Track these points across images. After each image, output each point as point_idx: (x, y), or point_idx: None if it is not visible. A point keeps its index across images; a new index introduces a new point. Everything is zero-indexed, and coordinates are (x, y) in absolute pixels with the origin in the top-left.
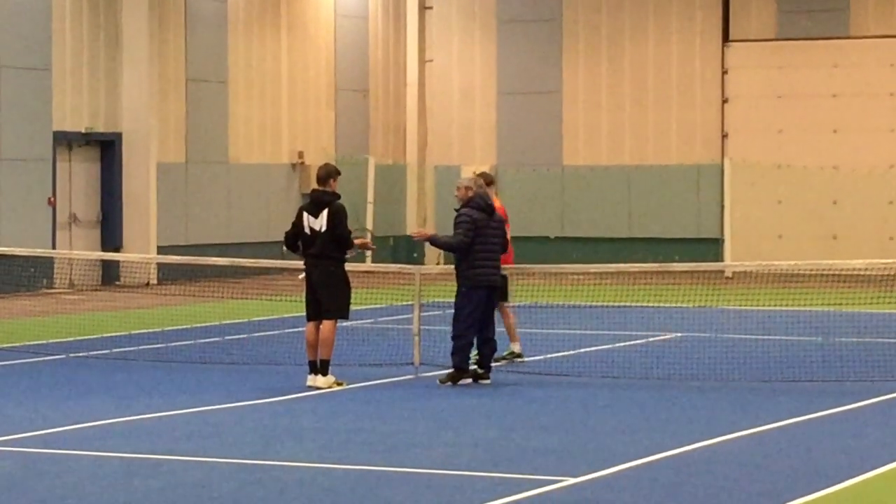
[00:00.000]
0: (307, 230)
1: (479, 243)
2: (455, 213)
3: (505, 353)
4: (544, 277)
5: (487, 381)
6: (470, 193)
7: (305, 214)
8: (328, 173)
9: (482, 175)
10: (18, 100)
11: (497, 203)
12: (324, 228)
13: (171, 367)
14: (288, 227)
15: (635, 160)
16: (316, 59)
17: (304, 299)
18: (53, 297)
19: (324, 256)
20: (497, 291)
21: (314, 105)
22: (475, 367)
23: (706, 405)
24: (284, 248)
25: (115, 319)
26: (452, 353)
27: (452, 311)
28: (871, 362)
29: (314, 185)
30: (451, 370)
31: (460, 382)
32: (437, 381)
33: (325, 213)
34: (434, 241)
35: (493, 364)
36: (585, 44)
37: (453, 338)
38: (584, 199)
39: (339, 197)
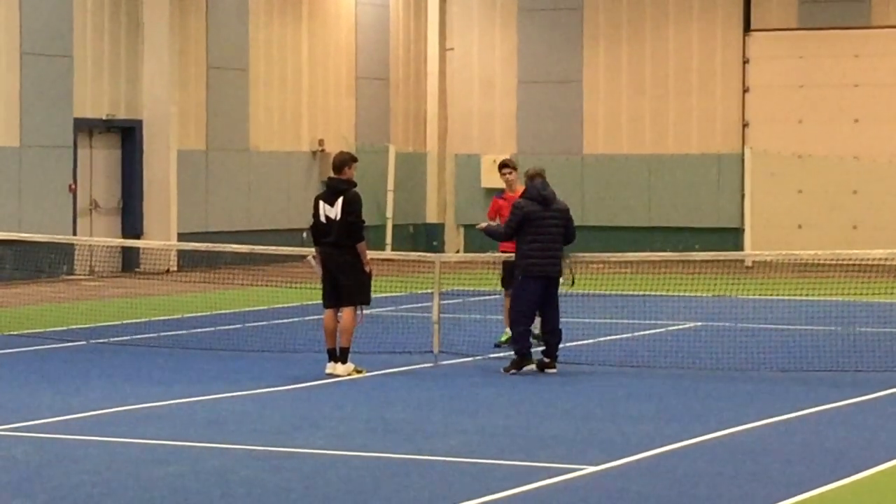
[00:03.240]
0: (323, 219)
1: (531, 234)
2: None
3: (504, 339)
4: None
5: (553, 371)
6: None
7: (321, 203)
8: (343, 161)
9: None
10: (40, 87)
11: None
12: (339, 217)
13: (191, 354)
14: (308, 215)
15: (655, 149)
16: (336, 46)
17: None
18: (74, 284)
19: (340, 245)
20: (556, 282)
21: (335, 93)
22: (541, 356)
23: (725, 395)
24: (308, 237)
25: (134, 306)
26: (513, 342)
27: (472, 299)
28: (891, 352)
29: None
30: (514, 357)
31: (524, 369)
32: (502, 370)
33: (340, 201)
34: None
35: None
36: (606, 33)
37: (511, 326)
38: (604, 188)
39: (354, 185)
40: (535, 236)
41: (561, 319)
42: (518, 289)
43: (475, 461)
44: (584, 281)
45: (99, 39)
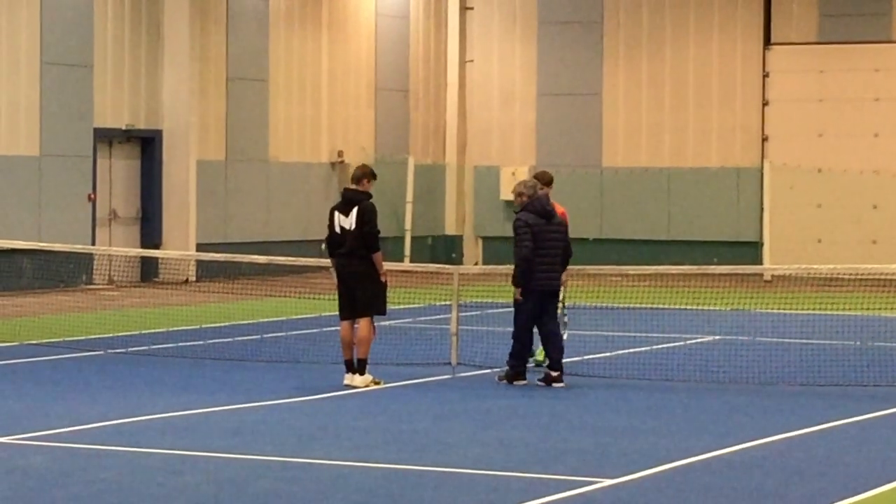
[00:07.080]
0: (337, 229)
1: (535, 248)
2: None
3: (540, 357)
4: (582, 279)
5: (562, 385)
6: (524, 199)
7: (336, 213)
8: (364, 174)
9: (539, 175)
10: (60, 96)
11: (558, 208)
12: (353, 227)
13: (209, 365)
14: (325, 227)
15: (675, 162)
16: (356, 58)
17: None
18: (92, 293)
19: (354, 255)
20: (556, 296)
21: (354, 104)
22: (547, 369)
23: (743, 408)
24: (326, 249)
25: (153, 316)
26: (510, 355)
27: (490, 311)
28: None
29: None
30: (508, 369)
31: (515, 383)
32: (496, 378)
33: (354, 211)
34: (515, 281)
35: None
36: (626, 46)
37: (512, 340)
38: (623, 201)
39: (370, 196)
40: (538, 250)
41: (579, 333)
42: (519, 304)
43: (492, 473)
44: (603, 294)
45: (119, 49)
